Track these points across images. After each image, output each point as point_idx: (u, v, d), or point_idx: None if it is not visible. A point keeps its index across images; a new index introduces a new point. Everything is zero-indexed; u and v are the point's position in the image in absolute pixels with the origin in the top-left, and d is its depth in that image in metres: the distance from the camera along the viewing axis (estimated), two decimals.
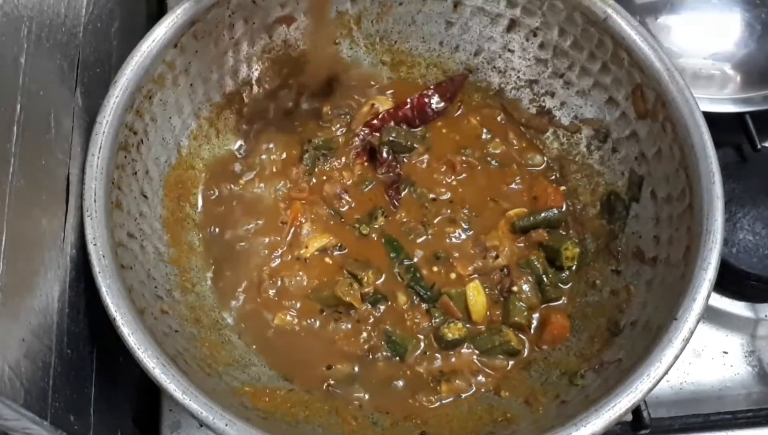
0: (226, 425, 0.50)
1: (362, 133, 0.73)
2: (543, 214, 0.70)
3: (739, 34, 0.82)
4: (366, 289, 0.65)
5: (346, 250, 0.68)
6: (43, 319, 0.47)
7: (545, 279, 0.67)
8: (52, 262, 0.50)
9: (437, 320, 0.65)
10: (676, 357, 0.53)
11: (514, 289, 0.66)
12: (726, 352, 0.73)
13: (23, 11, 0.48)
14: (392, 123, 0.73)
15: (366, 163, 0.72)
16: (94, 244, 0.55)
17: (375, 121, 0.73)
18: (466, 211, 0.70)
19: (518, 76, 0.76)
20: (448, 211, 0.70)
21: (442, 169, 0.72)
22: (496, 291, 0.66)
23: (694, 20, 0.83)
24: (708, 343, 0.73)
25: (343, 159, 0.72)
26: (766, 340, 0.73)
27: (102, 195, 0.57)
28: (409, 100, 0.74)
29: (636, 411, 0.62)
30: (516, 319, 0.65)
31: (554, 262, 0.68)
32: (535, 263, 0.67)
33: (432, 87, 0.75)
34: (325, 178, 0.71)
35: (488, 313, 0.65)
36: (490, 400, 0.62)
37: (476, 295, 0.65)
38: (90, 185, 0.57)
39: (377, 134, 0.73)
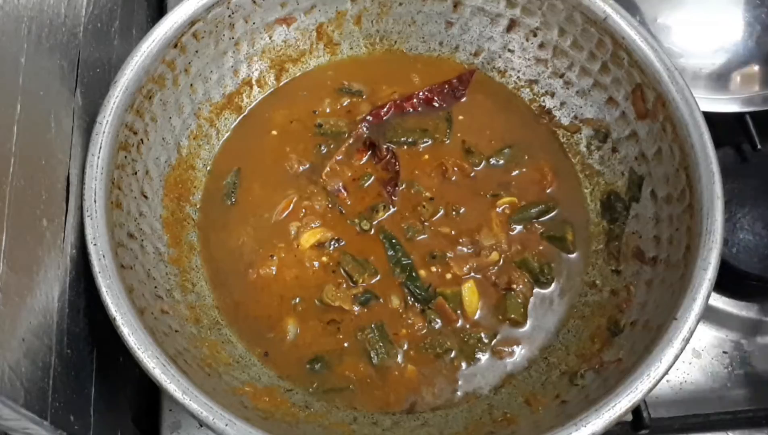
0: (226, 425, 0.50)
1: (366, 121, 0.73)
2: (535, 209, 0.70)
3: (739, 34, 0.82)
4: (357, 291, 0.65)
5: (344, 244, 0.68)
6: (43, 319, 0.47)
7: (541, 278, 0.67)
8: (52, 262, 0.50)
9: (431, 325, 0.65)
10: (676, 357, 0.53)
11: (513, 286, 0.66)
12: (726, 352, 0.73)
13: (23, 11, 0.48)
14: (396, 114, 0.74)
15: (365, 158, 0.72)
16: (94, 244, 0.55)
17: (382, 111, 0.73)
18: (462, 210, 0.69)
19: (518, 76, 0.76)
20: (444, 209, 0.70)
21: (434, 174, 0.72)
22: (491, 287, 0.66)
23: (694, 20, 0.83)
24: (708, 343, 0.73)
25: (343, 156, 0.72)
26: (767, 340, 0.73)
27: (102, 195, 0.57)
28: (416, 95, 0.75)
29: (636, 411, 0.62)
30: (512, 315, 0.65)
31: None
32: (532, 262, 0.67)
33: (440, 83, 0.75)
34: (328, 169, 0.71)
35: (480, 311, 0.65)
36: (489, 400, 0.62)
37: (471, 296, 0.65)
38: (90, 185, 0.57)
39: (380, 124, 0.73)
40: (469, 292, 0.65)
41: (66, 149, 0.55)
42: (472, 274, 0.67)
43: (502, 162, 0.72)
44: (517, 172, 0.72)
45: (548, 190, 0.71)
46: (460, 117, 0.75)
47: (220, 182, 0.71)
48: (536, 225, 0.69)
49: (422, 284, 0.66)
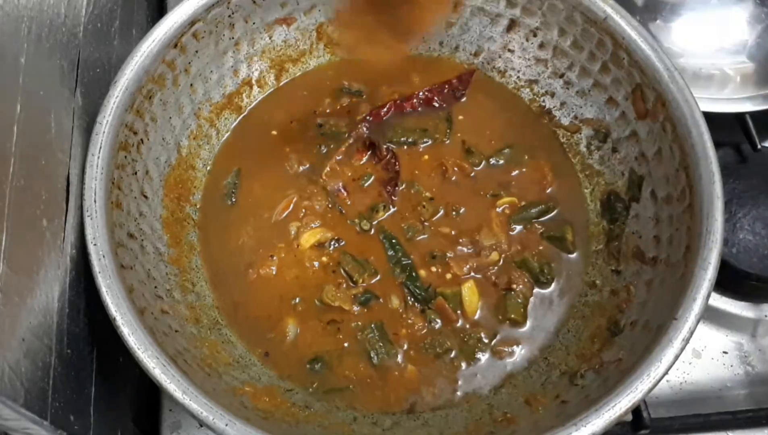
0: (226, 425, 0.50)
1: (366, 121, 0.72)
2: (535, 209, 0.70)
3: (739, 34, 0.82)
4: (357, 291, 0.65)
5: (344, 244, 0.68)
6: (43, 319, 0.47)
7: (541, 277, 0.67)
8: (52, 262, 0.50)
9: (431, 325, 0.65)
10: (676, 357, 0.53)
11: (513, 286, 0.66)
12: (726, 352, 0.73)
13: (23, 11, 0.48)
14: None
15: (365, 159, 0.72)
16: (94, 244, 0.55)
17: (382, 111, 0.73)
18: (462, 210, 0.69)
19: (518, 76, 0.76)
20: (444, 209, 0.70)
21: (434, 174, 0.72)
22: (491, 287, 0.66)
23: (694, 20, 0.83)
24: (708, 343, 0.73)
25: (343, 156, 0.72)
26: (767, 340, 0.73)
27: (102, 195, 0.57)
28: (416, 95, 0.74)
29: (636, 411, 0.62)
30: (512, 315, 0.65)
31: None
32: (531, 262, 0.67)
33: (440, 83, 0.75)
34: (328, 169, 0.71)
35: (480, 311, 0.65)
36: (489, 400, 0.62)
37: (471, 296, 0.65)
38: (90, 185, 0.57)
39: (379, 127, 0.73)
40: (469, 292, 0.65)
41: (66, 149, 0.55)
42: (472, 274, 0.67)
43: (502, 162, 0.72)
44: (517, 172, 0.72)
45: (548, 190, 0.71)
46: (460, 117, 0.75)
47: (220, 182, 0.71)
48: (536, 225, 0.69)
49: (422, 284, 0.66)
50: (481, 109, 0.76)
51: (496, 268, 0.67)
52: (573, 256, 0.69)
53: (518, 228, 0.69)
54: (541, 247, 0.68)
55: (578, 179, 0.72)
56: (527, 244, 0.68)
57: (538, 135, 0.75)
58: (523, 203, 0.70)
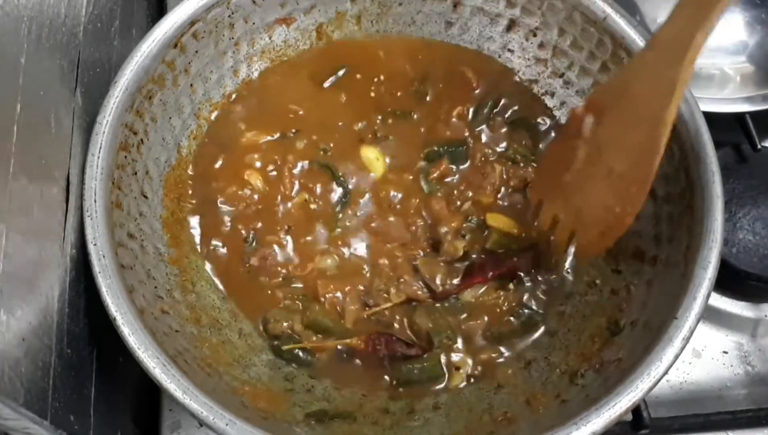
0: (227, 425, 0.50)
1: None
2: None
3: (739, 34, 0.82)
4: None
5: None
6: (43, 319, 0.47)
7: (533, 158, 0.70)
8: (52, 262, 0.50)
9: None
10: (676, 356, 0.53)
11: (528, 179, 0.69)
12: (726, 352, 0.73)
13: (23, 11, 0.48)
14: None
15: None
16: (94, 244, 0.55)
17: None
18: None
19: (518, 76, 0.76)
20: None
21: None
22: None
23: None
24: (708, 343, 0.73)
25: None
26: (767, 340, 0.73)
27: (102, 195, 0.57)
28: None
29: (636, 411, 0.62)
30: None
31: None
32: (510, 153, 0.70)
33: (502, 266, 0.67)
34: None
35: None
36: (490, 400, 0.62)
37: (499, 221, 0.67)
38: (90, 185, 0.57)
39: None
40: (495, 221, 0.67)
41: (66, 149, 0.55)
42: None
43: None
44: None
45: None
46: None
47: None
48: (498, 119, 0.72)
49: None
50: None
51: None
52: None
53: (483, 127, 0.72)
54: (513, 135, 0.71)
55: None
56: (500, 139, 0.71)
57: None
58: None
